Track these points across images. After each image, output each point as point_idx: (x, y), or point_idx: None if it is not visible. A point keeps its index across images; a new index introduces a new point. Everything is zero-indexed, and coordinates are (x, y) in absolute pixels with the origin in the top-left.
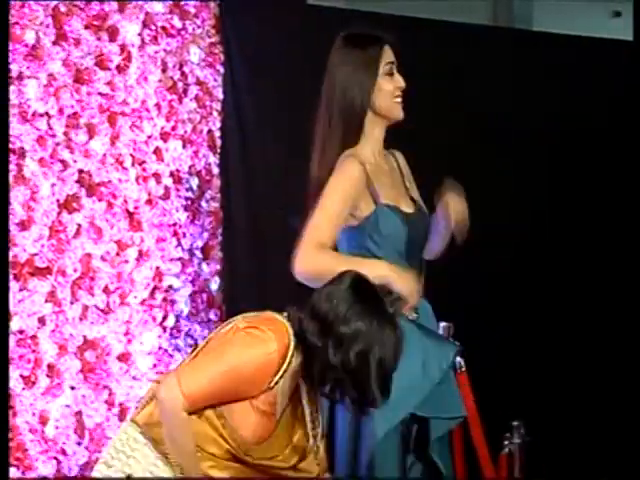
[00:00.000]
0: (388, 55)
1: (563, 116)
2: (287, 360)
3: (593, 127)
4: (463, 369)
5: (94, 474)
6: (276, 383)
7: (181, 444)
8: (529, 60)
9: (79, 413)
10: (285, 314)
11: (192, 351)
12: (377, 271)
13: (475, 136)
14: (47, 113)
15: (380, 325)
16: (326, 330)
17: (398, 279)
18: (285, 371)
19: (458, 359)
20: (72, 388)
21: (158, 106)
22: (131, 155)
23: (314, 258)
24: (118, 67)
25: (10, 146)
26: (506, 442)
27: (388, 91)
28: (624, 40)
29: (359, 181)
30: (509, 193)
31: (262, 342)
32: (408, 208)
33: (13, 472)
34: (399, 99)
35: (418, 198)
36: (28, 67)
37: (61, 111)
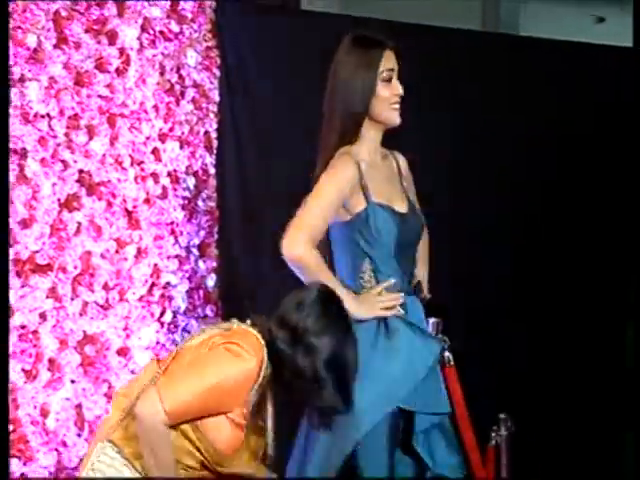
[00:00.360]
0: (389, 60)
1: (554, 120)
2: (262, 373)
3: (581, 130)
4: (452, 363)
5: None
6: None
7: (161, 458)
8: (518, 63)
9: (79, 406)
10: (249, 322)
11: (158, 362)
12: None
13: (465, 138)
14: (48, 114)
15: (345, 337)
16: (297, 339)
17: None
18: (260, 385)
19: (447, 354)
20: (72, 382)
21: (156, 108)
22: (130, 155)
23: (303, 250)
24: (117, 70)
25: (12, 146)
26: (493, 434)
27: (385, 98)
28: (610, 45)
29: (352, 178)
30: (498, 193)
31: (243, 359)
32: (402, 208)
33: (15, 463)
34: (396, 105)
35: (414, 199)
36: (30, 70)
37: (62, 113)
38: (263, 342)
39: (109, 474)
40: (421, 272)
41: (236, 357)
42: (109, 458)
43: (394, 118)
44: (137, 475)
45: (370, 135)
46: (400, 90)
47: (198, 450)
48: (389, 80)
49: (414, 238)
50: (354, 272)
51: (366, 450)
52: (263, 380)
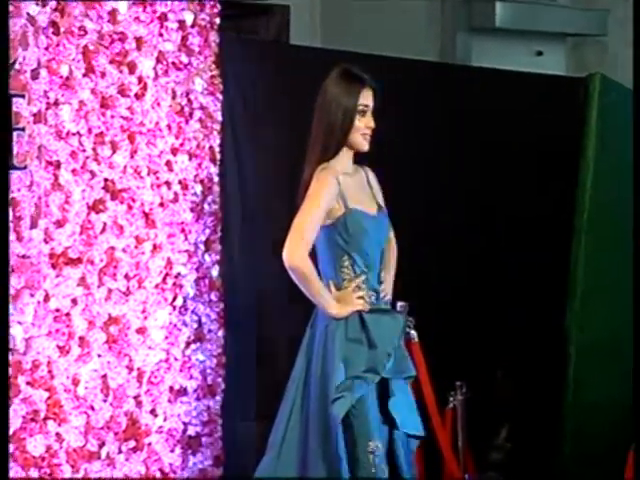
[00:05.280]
0: (365, 97)
1: (500, 135)
2: None
3: (524, 144)
4: (416, 340)
5: None
6: None
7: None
8: (470, 90)
9: (105, 376)
10: None
11: None
12: (325, 307)
13: (424, 160)
14: (78, 132)
15: None
16: None
17: (331, 312)
18: None
19: (412, 332)
20: (99, 356)
21: (169, 127)
22: (147, 167)
23: (302, 262)
24: (136, 95)
25: (47, 159)
26: (451, 399)
27: (359, 128)
28: (547, 74)
29: (333, 188)
30: (446, 207)
31: None
32: (372, 211)
33: (51, 424)
34: (367, 136)
35: (382, 203)
36: (63, 95)
37: (90, 131)
38: None
39: None
40: (387, 277)
41: None
42: None
43: (364, 145)
44: None
45: (345, 153)
46: (372, 124)
47: None
48: (364, 114)
49: (383, 236)
50: (335, 268)
51: (358, 414)
52: None
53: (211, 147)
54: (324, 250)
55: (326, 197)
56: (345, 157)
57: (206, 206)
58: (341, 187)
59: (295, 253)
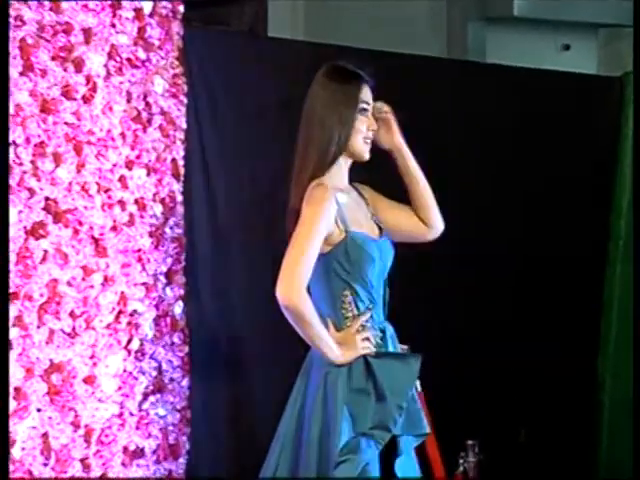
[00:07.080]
0: (365, 94)
1: (520, 144)
2: None
3: (548, 155)
4: (419, 390)
5: None
6: None
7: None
8: (484, 90)
9: (45, 435)
10: None
11: None
12: (326, 352)
13: (430, 164)
14: (14, 142)
15: None
16: None
17: (332, 358)
18: None
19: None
20: (38, 410)
21: (123, 135)
22: (96, 183)
23: (300, 300)
24: (84, 97)
25: None
26: (461, 461)
27: (359, 130)
28: (576, 72)
29: (331, 208)
30: (462, 217)
31: None
32: (374, 234)
33: None
34: (368, 140)
35: (382, 226)
36: None
37: (28, 140)
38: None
39: None
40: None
41: None
42: None
43: (364, 153)
44: None
45: (341, 166)
46: (374, 125)
47: None
48: (365, 113)
49: (387, 262)
50: (335, 303)
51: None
52: None
53: (173, 160)
54: (321, 283)
55: (324, 220)
56: (341, 170)
57: (168, 230)
58: (340, 206)
59: (291, 289)
